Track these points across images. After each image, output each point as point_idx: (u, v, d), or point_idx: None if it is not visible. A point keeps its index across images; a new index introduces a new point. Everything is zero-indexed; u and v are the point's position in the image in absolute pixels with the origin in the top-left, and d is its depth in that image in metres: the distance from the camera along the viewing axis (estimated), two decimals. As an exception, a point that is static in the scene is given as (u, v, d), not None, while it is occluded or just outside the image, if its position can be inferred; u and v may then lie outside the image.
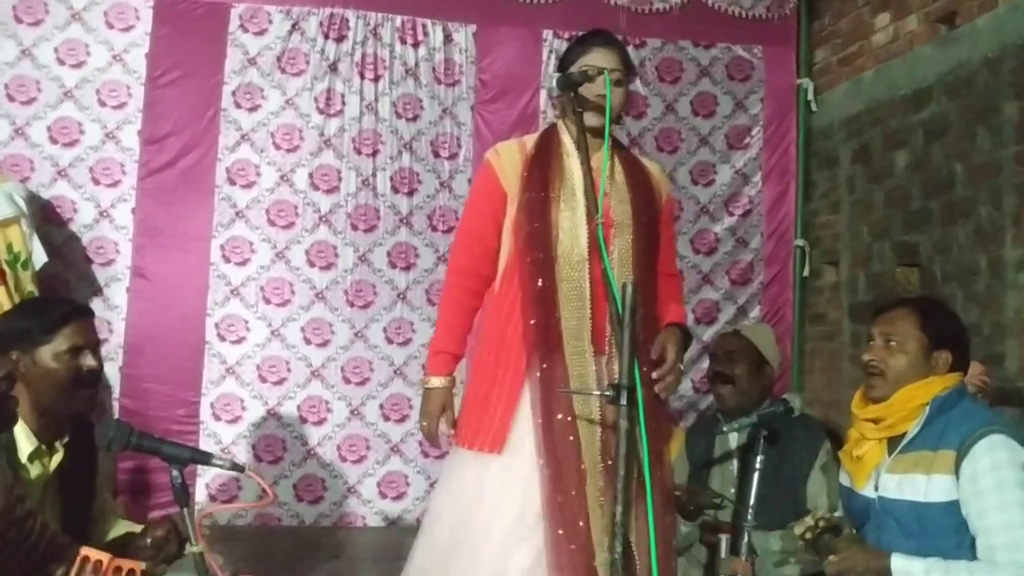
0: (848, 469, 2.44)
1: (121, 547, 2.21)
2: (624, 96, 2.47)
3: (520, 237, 2.39)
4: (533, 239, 2.36)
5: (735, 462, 2.97)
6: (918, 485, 2.22)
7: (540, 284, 2.33)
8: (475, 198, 2.55)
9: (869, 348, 2.38)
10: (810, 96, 4.56)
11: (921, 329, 2.32)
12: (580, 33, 4.27)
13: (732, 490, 2.91)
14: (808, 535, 2.27)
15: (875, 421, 2.34)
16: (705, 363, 4.50)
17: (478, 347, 2.44)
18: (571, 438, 2.26)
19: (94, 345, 2.29)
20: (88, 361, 2.25)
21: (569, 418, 2.27)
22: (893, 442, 2.32)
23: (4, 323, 2.22)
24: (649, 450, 2.11)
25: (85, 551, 1.84)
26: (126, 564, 1.85)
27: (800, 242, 4.57)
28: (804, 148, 4.60)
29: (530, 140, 2.52)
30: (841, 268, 4.29)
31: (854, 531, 2.37)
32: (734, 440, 3.00)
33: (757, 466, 2.51)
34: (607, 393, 1.90)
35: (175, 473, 1.89)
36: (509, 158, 2.47)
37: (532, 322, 2.33)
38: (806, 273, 4.56)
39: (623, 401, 1.84)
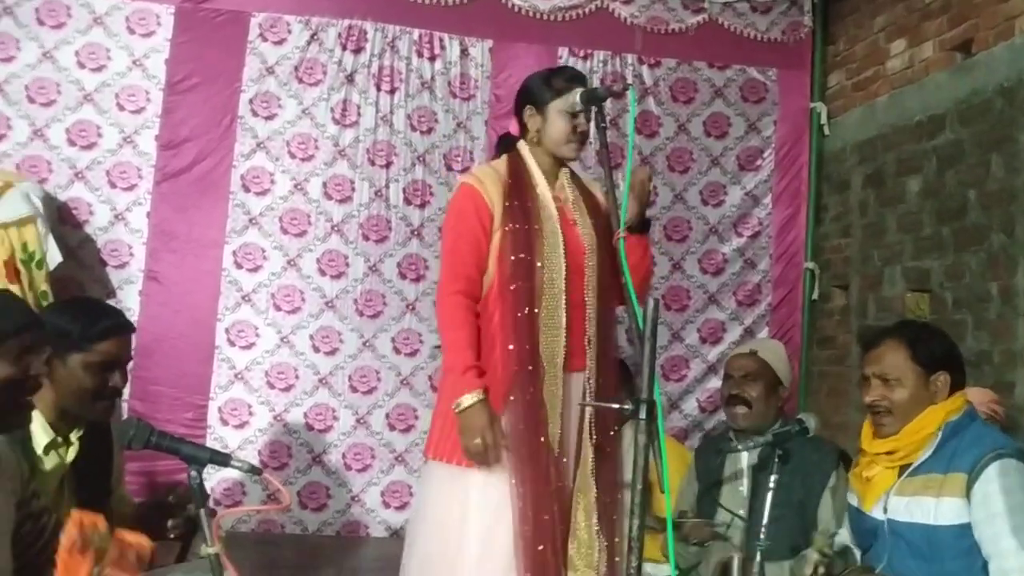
0: (857, 490, 2.45)
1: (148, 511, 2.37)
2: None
3: (505, 266, 2.45)
4: (519, 269, 2.43)
5: (746, 481, 2.95)
6: (927, 508, 2.23)
7: (524, 312, 2.41)
8: (463, 220, 2.51)
9: (867, 389, 2.39)
10: (823, 120, 4.57)
11: (912, 359, 2.33)
12: (592, 52, 4.43)
13: (742, 511, 2.90)
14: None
15: (888, 453, 2.35)
16: (710, 383, 4.53)
17: None
18: (543, 461, 2.37)
19: (125, 363, 2.31)
20: (115, 378, 2.26)
21: (542, 439, 2.37)
22: (904, 466, 2.33)
23: (49, 317, 2.21)
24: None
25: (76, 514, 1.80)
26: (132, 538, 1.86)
27: (810, 265, 4.57)
28: (816, 171, 4.61)
29: (500, 166, 2.57)
30: (851, 292, 4.30)
31: (860, 554, 2.38)
32: (745, 459, 2.98)
33: (771, 485, 2.49)
34: (627, 407, 1.92)
35: (193, 474, 1.90)
36: (492, 182, 2.52)
37: (511, 348, 2.40)
38: (815, 296, 4.56)
39: (642, 415, 1.85)
